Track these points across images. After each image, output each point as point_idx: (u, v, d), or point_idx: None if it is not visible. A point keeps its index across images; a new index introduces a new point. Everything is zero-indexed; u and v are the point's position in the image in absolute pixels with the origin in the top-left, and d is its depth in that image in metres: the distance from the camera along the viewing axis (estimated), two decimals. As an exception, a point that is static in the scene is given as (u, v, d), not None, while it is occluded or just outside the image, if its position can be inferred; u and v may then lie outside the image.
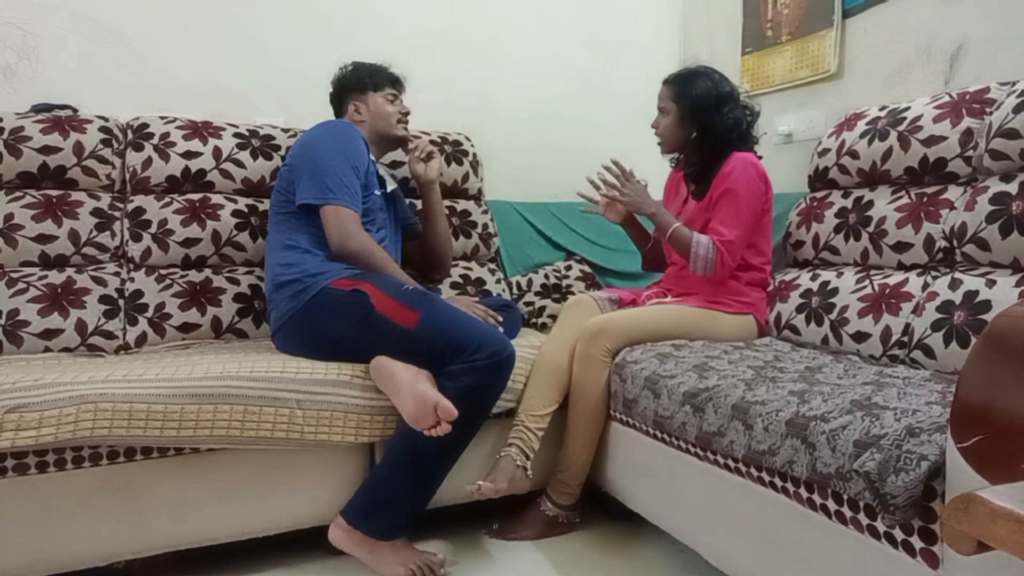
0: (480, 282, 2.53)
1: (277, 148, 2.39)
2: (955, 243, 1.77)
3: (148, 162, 2.24)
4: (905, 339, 1.75)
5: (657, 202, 2.15)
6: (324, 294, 1.85)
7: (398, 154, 2.43)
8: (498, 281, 2.57)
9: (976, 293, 1.64)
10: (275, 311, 1.96)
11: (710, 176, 2.09)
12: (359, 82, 2.20)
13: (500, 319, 2.00)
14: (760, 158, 2.12)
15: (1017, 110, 1.68)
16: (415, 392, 1.65)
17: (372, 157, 2.13)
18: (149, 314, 2.12)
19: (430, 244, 2.36)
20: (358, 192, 2.00)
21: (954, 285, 1.71)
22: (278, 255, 2.00)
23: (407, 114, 2.25)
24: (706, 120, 2.09)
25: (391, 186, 2.23)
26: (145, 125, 2.29)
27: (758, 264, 2.15)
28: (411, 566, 1.71)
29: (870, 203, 2.03)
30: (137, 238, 2.20)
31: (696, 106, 2.09)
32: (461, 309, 1.87)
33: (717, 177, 2.07)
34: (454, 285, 2.49)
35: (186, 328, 2.15)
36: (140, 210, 2.21)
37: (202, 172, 2.29)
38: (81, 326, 2.03)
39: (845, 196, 2.13)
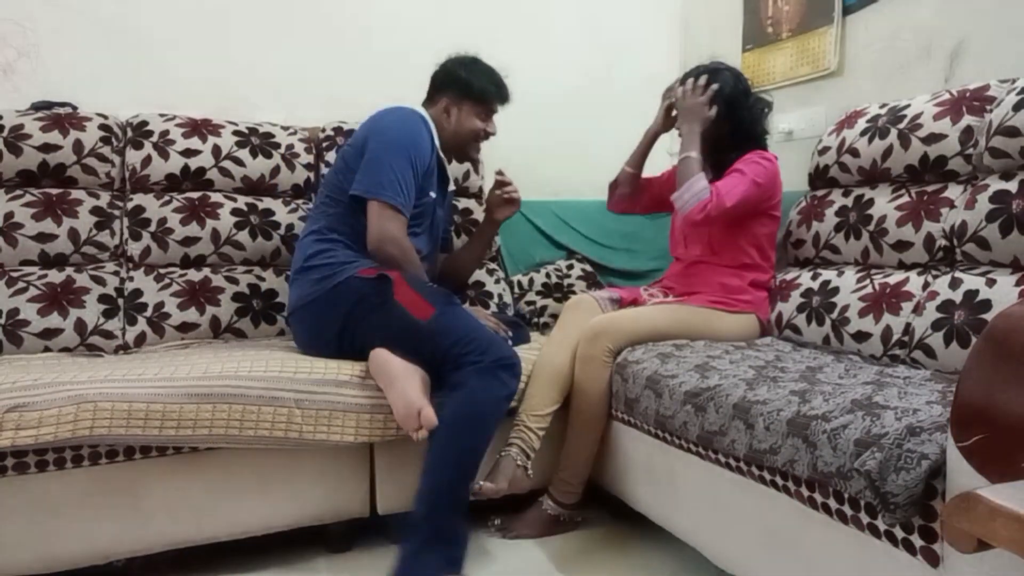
0: (480, 283, 2.52)
1: (277, 146, 2.38)
2: (955, 242, 1.76)
3: (147, 160, 2.24)
4: (906, 339, 1.75)
5: (696, 134, 2.08)
6: (349, 282, 1.83)
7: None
8: (499, 280, 2.56)
9: (976, 292, 1.63)
10: (296, 291, 1.93)
11: (724, 168, 2.10)
12: (466, 85, 2.08)
13: (511, 334, 1.99)
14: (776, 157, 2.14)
15: (1017, 108, 1.67)
16: (404, 395, 1.65)
17: (440, 154, 2.07)
18: (148, 313, 2.13)
19: (460, 265, 2.36)
20: (412, 193, 1.92)
21: (954, 284, 1.70)
22: (313, 245, 1.94)
23: (491, 135, 2.16)
24: (735, 113, 2.10)
25: (451, 187, 2.20)
26: (144, 123, 2.29)
27: (763, 266, 2.16)
28: None
29: (870, 201, 2.02)
30: (136, 237, 2.20)
31: (728, 100, 2.09)
32: (477, 317, 1.88)
33: (730, 168, 2.08)
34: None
35: (185, 328, 2.15)
36: (139, 208, 2.21)
37: (201, 170, 2.29)
38: (80, 326, 2.03)
39: (846, 195, 2.13)
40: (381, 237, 1.87)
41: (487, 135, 2.15)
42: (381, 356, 1.72)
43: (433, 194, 2.06)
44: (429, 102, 2.14)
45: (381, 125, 1.98)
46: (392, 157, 1.90)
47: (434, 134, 2.04)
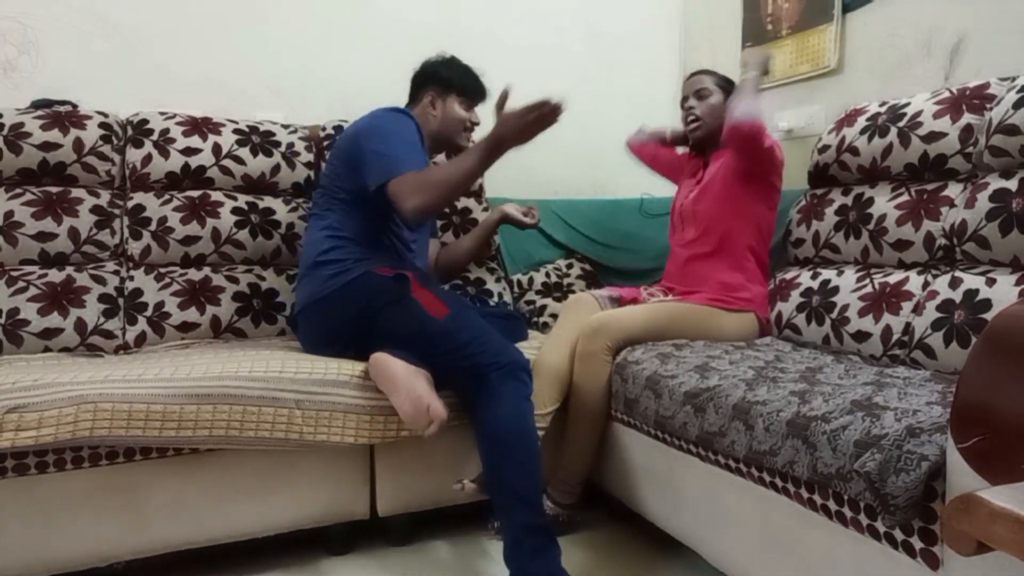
0: (480, 281, 2.52)
1: (277, 144, 2.38)
2: (955, 241, 1.76)
3: (148, 159, 2.24)
4: (905, 339, 1.75)
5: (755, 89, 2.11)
6: (365, 277, 1.84)
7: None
8: (499, 280, 2.56)
9: (976, 292, 1.63)
10: (307, 288, 1.92)
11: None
12: (447, 79, 2.14)
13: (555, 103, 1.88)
14: None
15: (1017, 106, 1.67)
16: (412, 393, 1.65)
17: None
18: (148, 313, 2.12)
19: (457, 256, 2.39)
20: (421, 156, 1.93)
21: (954, 284, 1.70)
22: (326, 241, 1.94)
23: (477, 125, 2.20)
24: None
25: None
26: (145, 121, 2.28)
27: (762, 256, 2.17)
28: None
29: (870, 200, 2.02)
30: (137, 236, 2.19)
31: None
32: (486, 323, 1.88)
33: None
34: (454, 284, 2.47)
35: (185, 327, 2.14)
36: (140, 207, 2.21)
37: (202, 168, 2.28)
38: (81, 325, 2.03)
39: (845, 193, 2.13)
40: (409, 199, 1.80)
41: (473, 125, 2.20)
42: (381, 360, 1.71)
43: None
44: (413, 102, 2.19)
45: (376, 124, 1.99)
46: (391, 142, 1.91)
47: (420, 128, 2.06)
